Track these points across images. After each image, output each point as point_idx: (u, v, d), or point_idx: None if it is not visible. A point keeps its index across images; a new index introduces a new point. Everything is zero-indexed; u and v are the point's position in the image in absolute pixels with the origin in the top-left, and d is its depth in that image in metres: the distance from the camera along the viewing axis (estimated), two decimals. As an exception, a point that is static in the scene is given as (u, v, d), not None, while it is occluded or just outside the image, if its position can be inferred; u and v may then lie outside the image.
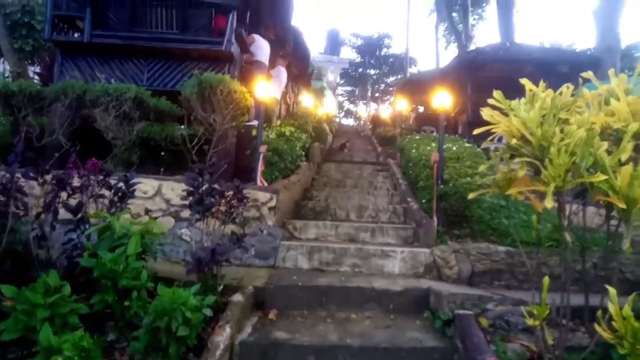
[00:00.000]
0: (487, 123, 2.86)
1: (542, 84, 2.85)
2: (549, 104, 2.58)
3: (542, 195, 2.44)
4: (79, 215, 3.60)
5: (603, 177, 2.19)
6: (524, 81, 2.93)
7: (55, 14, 7.49)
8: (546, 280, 2.37)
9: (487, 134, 3.00)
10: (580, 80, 2.94)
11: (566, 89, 2.91)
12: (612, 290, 2.02)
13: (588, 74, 2.99)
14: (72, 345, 2.37)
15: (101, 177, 3.89)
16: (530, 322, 2.45)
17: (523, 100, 2.68)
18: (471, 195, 2.78)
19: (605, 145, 2.29)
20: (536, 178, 2.46)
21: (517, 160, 2.51)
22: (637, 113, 2.49)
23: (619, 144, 2.44)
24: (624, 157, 2.27)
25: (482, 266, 4.66)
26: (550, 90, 2.78)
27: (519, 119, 2.48)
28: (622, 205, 2.19)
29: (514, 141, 2.51)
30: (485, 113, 2.70)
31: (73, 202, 3.66)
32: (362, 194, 7.37)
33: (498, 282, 4.63)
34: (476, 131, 3.06)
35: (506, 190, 2.59)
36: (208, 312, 2.88)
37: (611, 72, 3.01)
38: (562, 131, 2.49)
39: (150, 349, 2.65)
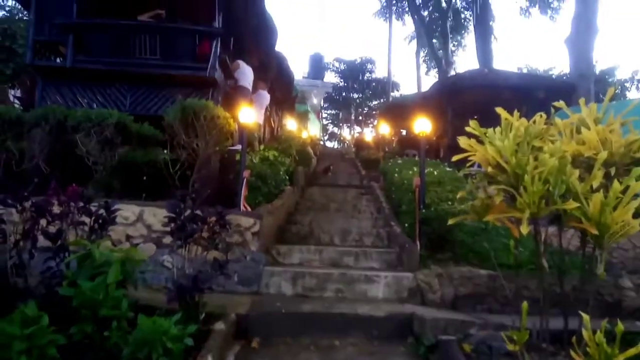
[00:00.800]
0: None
1: (516, 113, 2.95)
2: (522, 132, 2.67)
3: (519, 221, 2.50)
4: (59, 243, 3.55)
5: (575, 204, 2.27)
6: (499, 110, 3.03)
7: (37, 40, 7.51)
8: (525, 305, 2.41)
9: (468, 158, 3.08)
10: (552, 110, 3.06)
11: (539, 117, 3.02)
12: (585, 317, 2.07)
13: (560, 104, 3.12)
14: (49, 378, 2.31)
15: (81, 204, 3.85)
16: (510, 347, 2.48)
17: (498, 129, 2.77)
18: (451, 222, 2.84)
19: (576, 173, 2.37)
20: (512, 205, 2.53)
21: (493, 187, 2.58)
22: (606, 141, 2.60)
23: (591, 171, 2.53)
24: (595, 184, 2.36)
25: (465, 290, 4.70)
26: (524, 120, 2.88)
27: (494, 148, 2.56)
28: (595, 232, 2.27)
29: (489, 169, 2.59)
30: (463, 142, 2.78)
31: (52, 229, 3.61)
32: (346, 217, 7.40)
33: (481, 305, 4.66)
34: (455, 158, 3.14)
35: (484, 216, 2.65)
36: (189, 342, 2.84)
37: (582, 101, 3.14)
38: (536, 158, 2.58)
39: (130, 380, 2.60)
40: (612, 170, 2.48)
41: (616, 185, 2.27)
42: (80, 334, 2.91)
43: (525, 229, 2.28)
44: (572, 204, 2.27)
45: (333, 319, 3.90)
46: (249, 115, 6.11)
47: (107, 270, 3.18)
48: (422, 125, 5.88)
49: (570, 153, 2.54)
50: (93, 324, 2.95)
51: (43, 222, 3.61)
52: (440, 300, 4.59)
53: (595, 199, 2.26)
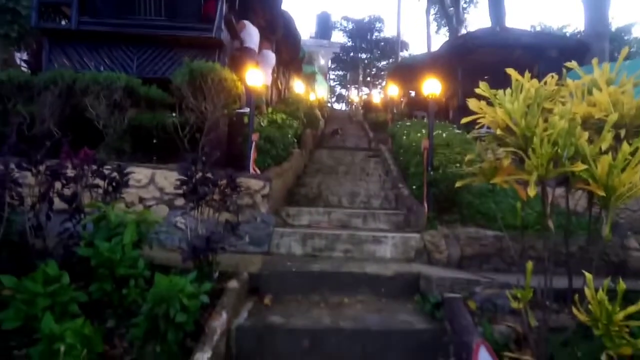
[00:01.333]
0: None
1: (527, 74, 2.92)
2: (533, 94, 2.65)
3: (526, 183, 2.53)
4: (74, 205, 3.64)
5: (583, 166, 2.29)
6: (510, 71, 2.99)
7: (42, 1, 7.39)
8: (529, 265, 2.47)
9: (477, 120, 3.07)
10: (564, 70, 3.02)
11: (551, 78, 2.99)
12: (588, 276, 2.13)
13: (572, 64, 3.07)
14: (74, 332, 2.45)
15: (95, 167, 3.92)
16: (514, 305, 2.56)
17: (508, 91, 2.75)
18: (458, 184, 2.87)
19: (585, 135, 2.37)
20: (520, 167, 2.54)
21: (501, 150, 2.59)
22: (617, 103, 2.58)
23: (601, 133, 2.53)
24: (604, 147, 2.36)
25: (471, 250, 4.79)
26: (535, 81, 2.85)
27: (503, 110, 2.56)
28: (602, 193, 2.29)
29: (498, 131, 2.60)
30: (472, 104, 2.77)
31: (67, 192, 3.70)
32: (354, 180, 7.46)
33: (487, 265, 4.75)
34: (464, 120, 3.13)
35: (492, 178, 2.68)
36: (205, 299, 2.96)
37: (594, 61, 3.09)
38: (546, 120, 2.58)
39: (149, 335, 2.73)
40: (622, 132, 2.48)
41: (625, 147, 2.28)
42: (100, 292, 3.05)
43: (532, 192, 2.31)
44: (580, 166, 2.29)
45: (342, 278, 4.01)
46: (256, 77, 6.06)
47: (123, 231, 3.29)
48: (431, 87, 5.81)
49: (581, 115, 2.53)
50: (111, 282, 3.07)
51: (58, 185, 3.70)
52: (446, 260, 4.69)
53: (603, 161, 2.27)
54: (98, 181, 3.93)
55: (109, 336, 2.91)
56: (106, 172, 3.95)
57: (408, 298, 3.90)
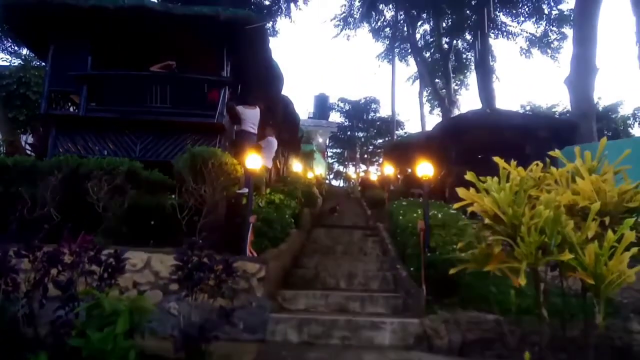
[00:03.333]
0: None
1: (513, 162, 3.05)
2: (519, 182, 2.76)
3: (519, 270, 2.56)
4: (68, 293, 3.61)
5: (570, 256, 2.34)
6: (496, 159, 3.14)
7: (52, 90, 7.79)
8: (527, 355, 2.43)
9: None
10: (548, 160, 3.16)
11: (535, 166, 3.12)
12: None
13: (556, 153, 3.22)
14: None
15: (92, 254, 3.93)
16: (515, 398, 2.48)
17: (496, 179, 2.86)
18: (452, 271, 2.89)
19: (571, 224, 2.44)
20: (511, 253, 2.59)
21: (491, 238, 2.65)
22: (600, 191, 2.68)
23: (587, 219, 2.60)
24: (589, 234, 2.42)
25: (472, 336, 4.66)
26: (521, 169, 2.98)
27: (491, 199, 2.65)
28: (591, 281, 2.32)
29: (487, 220, 2.67)
30: (461, 193, 2.87)
31: (63, 278, 3.68)
32: (352, 260, 7.41)
33: (490, 351, 4.60)
34: (456, 205, 3.23)
35: (484, 265, 2.71)
36: (196, 394, 2.86)
37: (577, 150, 3.24)
38: (534, 207, 2.66)
39: None
40: (607, 220, 2.55)
41: (610, 235, 2.33)
42: (89, 386, 2.94)
43: (523, 280, 2.34)
44: (567, 255, 2.33)
45: (339, 368, 3.88)
46: (255, 161, 6.26)
47: (116, 319, 3.23)
48: (425, 170, 5.99)
49: (566, 203, 2.62)
50: (101, 375, 2.98)
51: (54, 271, 3.68)
52: (447, 346, 4.55)
53: (589, 249, 2.32)
54: (94, 267, 3.92)
55: None
56: (103, 257, 3.95)
57: (408, 389, 3.74)
